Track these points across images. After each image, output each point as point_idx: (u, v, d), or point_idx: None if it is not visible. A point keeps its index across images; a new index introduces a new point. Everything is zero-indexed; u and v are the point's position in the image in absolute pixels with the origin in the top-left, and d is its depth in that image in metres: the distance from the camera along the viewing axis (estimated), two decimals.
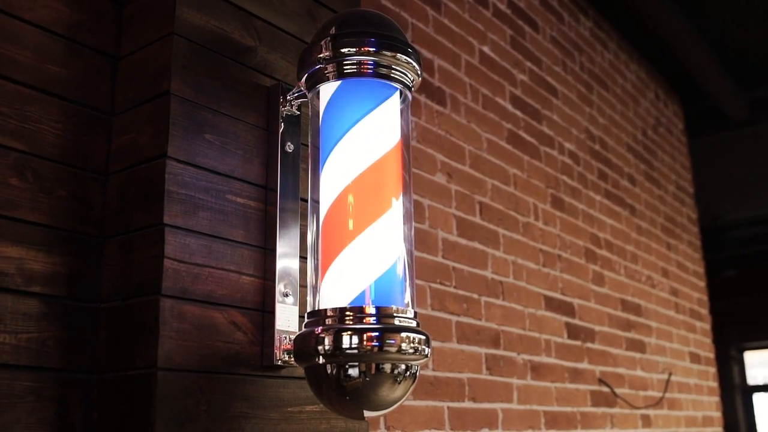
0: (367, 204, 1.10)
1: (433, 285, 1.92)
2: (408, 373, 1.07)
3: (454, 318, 1.96)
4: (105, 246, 1.16)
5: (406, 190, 1.16)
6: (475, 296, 2.08)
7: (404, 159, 1.17)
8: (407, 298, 1.12)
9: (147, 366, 1.04)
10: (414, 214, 1.91)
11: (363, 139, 1.12)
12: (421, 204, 1.95)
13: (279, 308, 1.19)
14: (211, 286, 1.12)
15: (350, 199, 1.10)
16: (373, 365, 1.04)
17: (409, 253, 1.14)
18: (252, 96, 1.26)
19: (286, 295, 1.21)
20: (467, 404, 1.93)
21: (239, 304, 1.16)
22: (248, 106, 1.25)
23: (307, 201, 1.18)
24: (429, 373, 1.83)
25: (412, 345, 1.06)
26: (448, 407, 1.87)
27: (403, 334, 1.05)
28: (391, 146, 1.14)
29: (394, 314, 1.07)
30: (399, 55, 1.15)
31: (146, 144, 1.14)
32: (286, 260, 1.22)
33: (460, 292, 2.02)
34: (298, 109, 1.29)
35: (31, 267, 1.06)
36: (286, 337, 1.18)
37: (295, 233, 1.25)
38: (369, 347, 1.03)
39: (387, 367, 1.05)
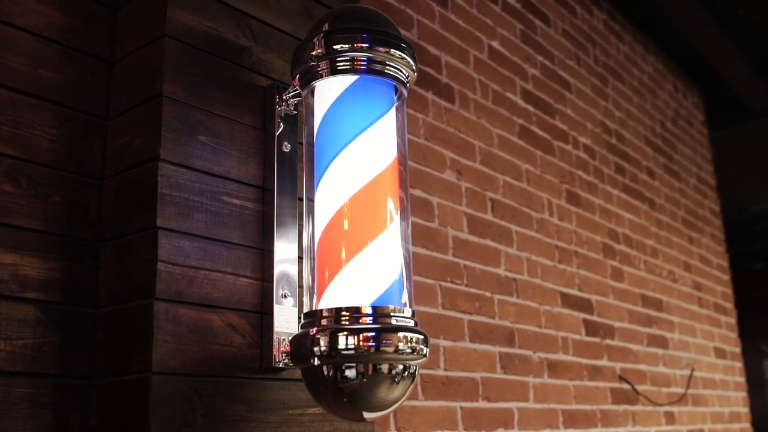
0: (364, 224, 1.09)
1: (444, 284, 1.89)
2: (406, 373, 1.05)
3: (466, 317, 1.94)
4: (102, 250, 1.15)
5: (403, 185, 1.15)
6: (488, 294, 2.05)
7: (401, 155, 1.15)
8: (405, 297, 1.10)
9: (142, 370, 1.03)
10: (423, 212, 1.89)
11: (363, 154, 1.11)
12: (430, 202, 1.93)
13: (277, 310, 1.18)
14: (207, 289, 1.11)
15: (345, 221, 1.09)
16: (370, 366, 1.03)
17: (407, 251, 1.13)
18: (247, 96, 1.25)
19: (284, 296, 1.19)
20: (481, 404, 1.91)
21: (237, 307, 1.14)
22: (244, 106, 1.24)
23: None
24: (440, 372, 1.81)
25: (409, 345, 1.04)
26: (461, 407, 1.84)
27: (401, 334, 1.03)
28: (389, 161, 1.13)
29: (391, 314, 1.05)
30: (393, 51, 1.13)
31: (140, 147, 1.13)
32: (285, 261, 1.21)
33: (472, 290, 1.99)
34: (294, 109, 1.28)
35: (26, 273, 1.06)
36: (284, 339, 1.17)
37: (294, 234, 1.23)
38: (365, 348, 1.02)
39: (384, 367, 1.03)
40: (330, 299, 1.07)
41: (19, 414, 1.01)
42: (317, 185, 1.13)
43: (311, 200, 1.14)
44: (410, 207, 1.83)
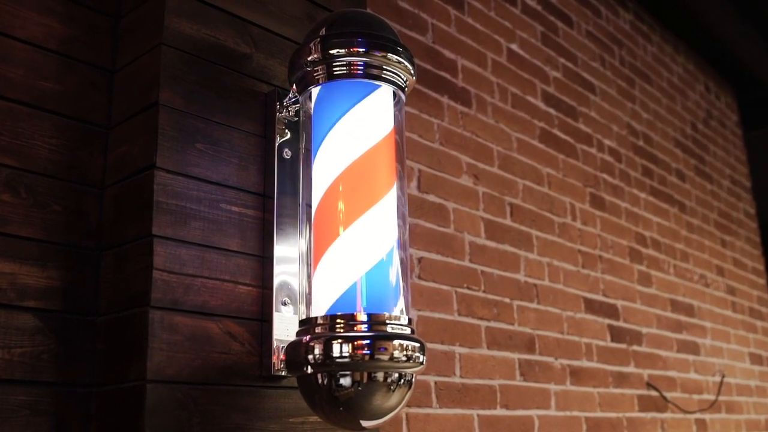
0: (356, 200, 1.08)
1: (460, 290, 1.87)
2: (402, 381, 1.04)
3: (484, 323, 1.91)
4: (102, 259, 1.16)
5: (401, 186, 1.13)
6: (507, 300, 2.02)
7: (398, 155, 1.14)
8: (401, 304, 1.09)
9: (138, 378, 1.03)
10: (438, 217, 1.87)
11: (350, 135, 1.10)
12: (446, 207, 1.91)
13: (277, 317, 1.17)
14: (205, 297, 1.11)
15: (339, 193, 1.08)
16: (365, 374, 1.01)
17: (404, 256, 1.11)
18: (248, 103, 1.24)
19: (284, 303, 1.19)
20: (499, 411, 1.88)
21: (235, 314, 1.14)
22: (244, 113, 1.23)
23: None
24: (456, 380, 1.79)
25: (405, 353, 1.02)
26: (479, 415, 1.82)
27: (396, 342, 1.02)
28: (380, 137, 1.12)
29: (387, 321, 1.04)
30: (390, 55, 1.12)
31: (138, 155, 1.14)
32: (285, 268, 1.20)
33: (490, 296, 1.96)
34: (295, 115, 1.27)
35: (25, 282, 1.07)
36: (284, 347, 1.16)
37: (294, 241, 1.23)
38: (360, 355, 1.00)
39: (379, 375, 1.02)
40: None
41: (18, 422, 1.02)
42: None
43: (309, 206, 1.13)
44: (423, 212, 1.81)
